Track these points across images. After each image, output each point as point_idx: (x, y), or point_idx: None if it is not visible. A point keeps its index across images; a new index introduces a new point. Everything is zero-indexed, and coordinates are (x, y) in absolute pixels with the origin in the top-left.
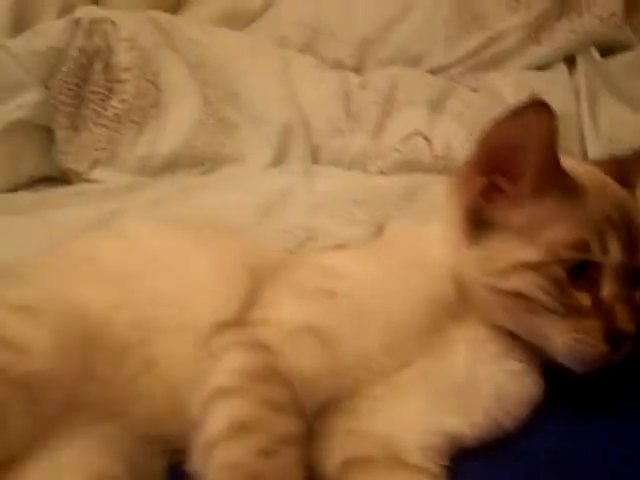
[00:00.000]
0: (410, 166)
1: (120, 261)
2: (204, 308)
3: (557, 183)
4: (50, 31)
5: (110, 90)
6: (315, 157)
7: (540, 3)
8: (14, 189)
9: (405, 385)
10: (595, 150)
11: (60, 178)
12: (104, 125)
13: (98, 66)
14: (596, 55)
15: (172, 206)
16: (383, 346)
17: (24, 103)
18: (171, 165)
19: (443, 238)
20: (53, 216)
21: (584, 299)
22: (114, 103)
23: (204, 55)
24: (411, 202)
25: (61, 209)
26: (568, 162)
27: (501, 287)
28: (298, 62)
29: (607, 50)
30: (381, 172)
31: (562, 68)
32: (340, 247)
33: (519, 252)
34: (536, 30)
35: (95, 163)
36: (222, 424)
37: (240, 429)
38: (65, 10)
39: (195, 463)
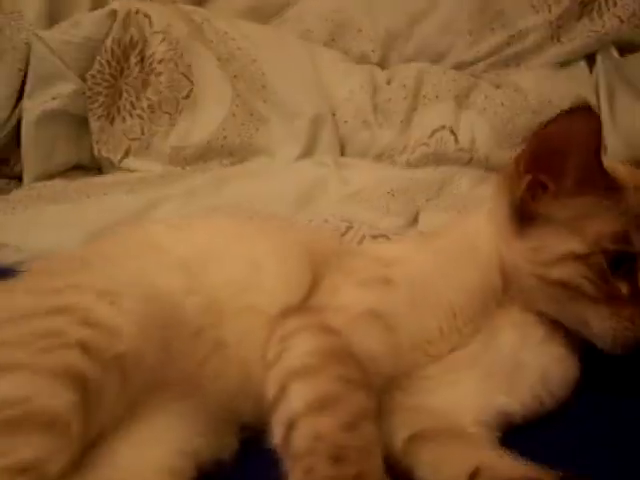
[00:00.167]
0: (436, 159)
1: (186, 249)
2: (270, 293)
3: (599, 181)
4: (86, 22)
5: (145, 81)
6: (342, 149)
7: (561, 3)
8: (49, 177)
9: (458, 366)
10: (613, 145)
11: (92, 167)
12: (138, 115)
13: (134, 58)
14: (615, 54)
15: (208, 196)
16: (439, 331)
17: (60, 93)
18: (202, 155)
19: (490, 230)
20: (93, 204)
21: (623, 287)
22: (148, 94)
23: (234, 48)
24: (441, 194)
25: (100, 197)
26: (609, 162)
27: (547, 276)
28: (325, 56)
29: (626, 49)
30: (408, 164)
31: (582, 66)
32: (390, 239)
33: (565, 244)
34: (557, 29)
35: (128, 152)
36: (303, 401)
37: (321, 405)
38: (98, 2)
39: (276, 438)
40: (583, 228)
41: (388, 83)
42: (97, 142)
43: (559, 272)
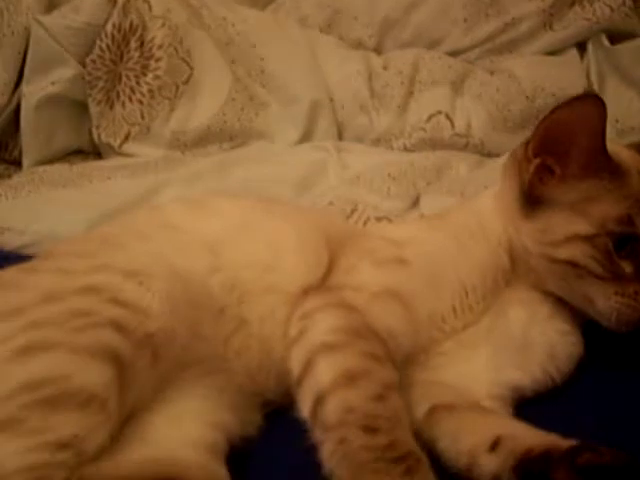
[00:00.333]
0: (432, 144)
1: (207, 230)
2: (291, 273)
3: (604, 165)
4: (86, 7)
5: (145, 67)
6: (340, 134)
7: None
8: (49, 162)
9: (471, 342)
10: None
11: (92, 152)
12: (138, 100)
13: (134, 43)
14: (606, 42)
15: (210, 180)
16: (454, 308)
17: (59, 78)
18: (202, 140)
19: (498, 212)
20: (96, 188)
21: (627, 267)
22: (148, 79)
23: (233, 34)
24: (440, 177)
25: (103, 181)
26: (613, 146)
27: (555, 256)
28: (322, 41)
29: (616, 37)
30: (405, 149)
31: (573, 53)
32: (392, 221)
33: (571, 225)
34: (550, 17)
35: (128, 137)
36: (330, 376)
37: (349, 379)
38: None
39: (305, 411)
40: (589, 211)
41: (384, 69)
42: (97, 127)
43: (566, 252)
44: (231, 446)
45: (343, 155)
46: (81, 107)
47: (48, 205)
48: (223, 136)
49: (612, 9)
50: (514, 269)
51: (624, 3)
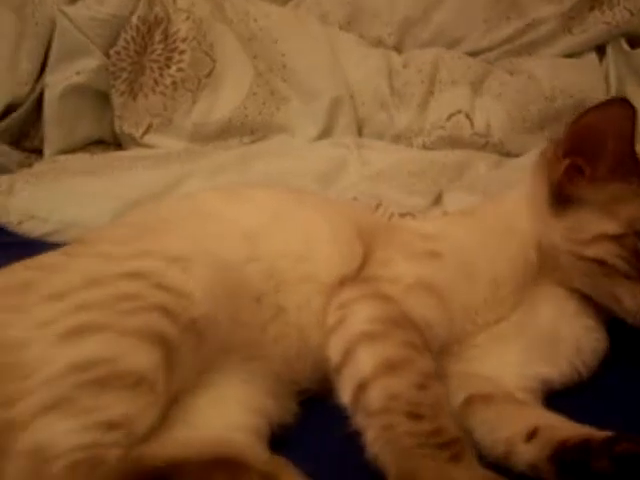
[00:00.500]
0: (452, 142)
1: (243, 219)
2: (325, 263)
3: (632, 168)
4: None
5: (168, 59)
6: (359, 131)
7: None
8: (71, 151)
9: (503, 336)
10: None
11: (113, 142)
12: (161, 92)
13: (158, 35)
14: (625, 46)
15: (232, 172)
16: (485, 301)
17: (83, 69)
18: (223, 133)
19: (527, 209)
20: (120, 178)
21: None
22: (171, 72)
23: (255, 29)
24: (460, 176)
25: (127, 171)
26: None
27: (583, 254)
28: (343, 39)
29: (636, 41)
30: (425, 147)
31: (592, 57)
32: (415, 217)
33: (600, 225)
34: (569, 20)
35: (150, 128)
36: (372, 364)
37: (390, 368)
38: None
39: (345, 398)
40: (617, 211)
41: (404, 67)
42: (119, 118)
43: (594, 251)
44: (272, 432)
45: (363, 152)
46: (104, 98)
47: (71, 194)
48: (244, 130)
49: (632, 13)
50: (542, 266)
51: None
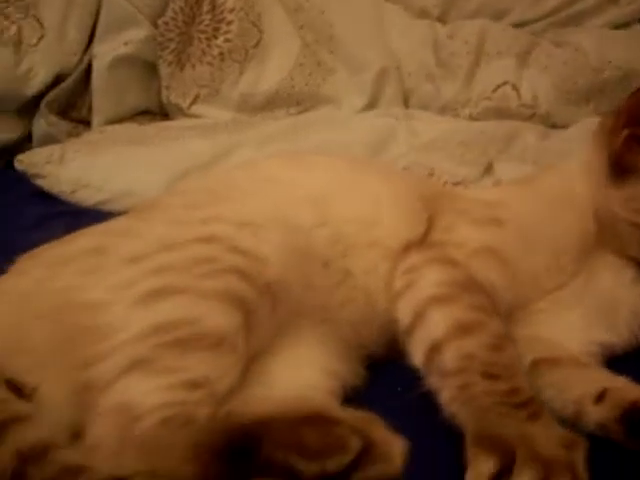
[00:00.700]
0: (498, 113)
1: (309, 185)
2: (391, 229)
3: None
4: None
5: (216, 29)
6: (405, 102)
7: None
8: (119, 122)
9: (564, 302)
10: None
11: (159, 112)
12: (208, 63)
13: (206, 6)
14: None
15: (282, 142)
16: (547, 268)
17: (131, 39)
18: (270, 103)
19: (586, 179)
20: (172, 147)
21: None
22: (219, 42)
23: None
24: (509, 146)
25: (178, 141)
26: None
27: None
28: (388, 10)
29: None
30: (471, 118)
31: (639, 28)
32: (467, 187)
33: None
34: None
35: (197, 99)
36: (444, 326)
37: (463, 329)
38: None
39: (417, 360)
40: None
41: (450, 38)
42: (167, 88)
43: None
44: (344, 395)
45: (411, 122)
46: (151, 68)
47: (124, 163)
48: (291, 101)
49: None
50: (600, 235)
51: None
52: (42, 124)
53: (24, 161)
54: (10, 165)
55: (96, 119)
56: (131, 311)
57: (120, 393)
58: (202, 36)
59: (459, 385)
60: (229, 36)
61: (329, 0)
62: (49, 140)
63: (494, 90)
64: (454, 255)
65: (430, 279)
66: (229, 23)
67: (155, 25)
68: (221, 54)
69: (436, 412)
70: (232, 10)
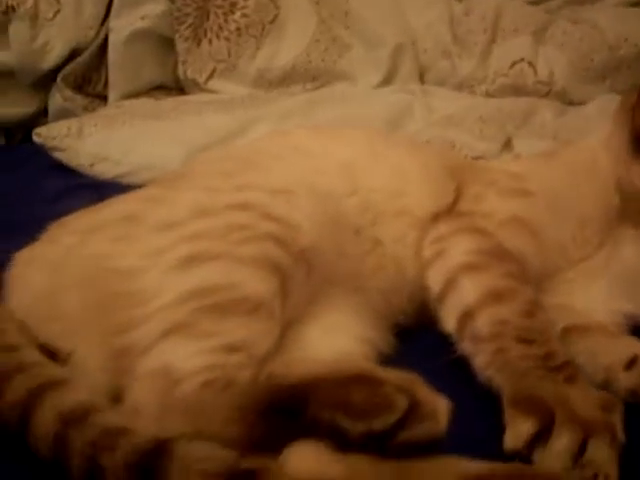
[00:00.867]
0: (514, 90)
1: (338, 154)
2: (419, 198)
3: None
4: None
5: (233, 4)
6: (421, 78)
7: None
8: (135, 96)
9: (590, 273)
10: None
11: (175, 87)
12: (225, 38)
13: None
14: None
15: (300, 117)
16: (573, 238)
17: (148, 14)
18: (286, 79)
19: (609, 153)
20: (191, 122)
21: None
22: (236, 17)
23: None
24: (527, 122)
25: (196, 115)
26: None
27: None
28: None
29: None
30: (487, 94)
31: None
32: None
33: None
34: None
35: (214, 74)
36: (477, 293)
37: (496, 296)
38: None
39: (449, 326)
40: None
41: (466, 15)
42: (183, 63)
43: None
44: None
45: (428, 99)
46: (168, 43)
47: (143, 136)
48: (307, 76)
49: None
50: (624, 209)
51: None
52: (58, 98)
53: (42, 134)
54: (27, 139)
55: (112, 94)
56: (167, 277)
57: (159, 358)
58: (219, 11)
59: (494, 350)
60: (246, 11)
61: None
62: (65, 115)
63: (510, 67)
64: (483, 225)
65: (460, 247)
66: None
67: (172, 0)
68: (238, 29)
69: (467, 377)
70: None
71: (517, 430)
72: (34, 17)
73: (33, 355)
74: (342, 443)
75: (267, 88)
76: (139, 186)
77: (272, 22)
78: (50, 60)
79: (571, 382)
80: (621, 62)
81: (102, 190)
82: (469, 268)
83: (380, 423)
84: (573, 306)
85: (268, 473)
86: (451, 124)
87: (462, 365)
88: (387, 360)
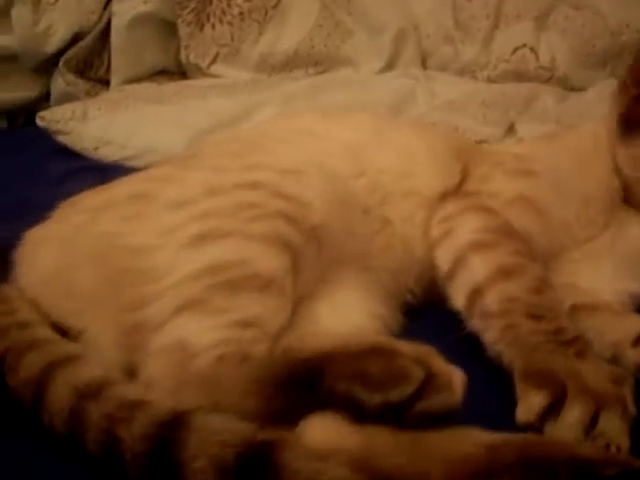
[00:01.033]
0: (516, 76)
1: (345, 137)
2: (426, 178)
3: None
4: None
5: None
6: (423, 63)
7: None
8: (137, 81)
9: (595, 253)
10: None
11: (177, 72)
12: (228, 22)
13: None
14: None
15: (303, 102)
16: (578, 218)
17: None
18: (289, 64)
19: (606, 137)
20: (195, 106)
21: None
22: (239, 2)
23: None
24: (529, 107)
25: (200, 99)
26: None
27: None
28: None
29: None
30: (489, 80)
31: None
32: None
33: None
34: None
35: (216, 58)
36: (487, 270)
37: (505, 273)
38: None
39: (458, 303)
40: None
41: (469, 1)
42: (186, 48)
43: None
44: None
45: (431, 84)
46: (170, 27)
47: (147, 120)
48: (309, 61)
49: None
50: (623, 191)
51: None
52: (60, 83)
53: (46, 118)
54: (29, 123)
55: (114, 78)
56: (179, 254)
57: (172, 333)
58: None
59: (504, 326)
60: None
61: None
62: (67, 99)
63: (512, 52)
64: (490, 204)
65: (468, 226)
66: None
67: None
68: (241, 14)
69: (475, 355)
70: None
71: (529, 403)
72: (36, 1)
73: (45, 332)
74: (359, 415)
75: (270, 73)
76: (143, 169)
77: (275, 7)
78: (52, 44)
79: (582, 356)
80: (623, 48)
81: (107, 173)
82: (478, 246)
83: (397, 394)
84: (579, 285)
85: (285, 444)
86: (454, 109)
87: (470, 343)
88: (396, 338)
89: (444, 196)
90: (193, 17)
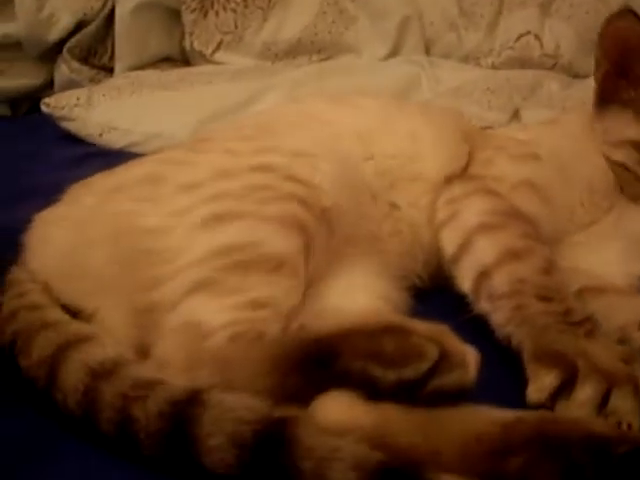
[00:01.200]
0: (521, 63)
1: (353, 121)
2: (433, 162)
3: None
4: None
5: None
6: (427, 50)
7: None
8: (141, 68)
9: (600, 237)
10: None
11: (180, 59)
12: (232, 9)
13: None
14: None
15: (308, 88)
16: (582, 202)
17: None
18: (292, 51)
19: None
20: (200, 91)
21: None
22: None
23: None
24: (534, 94)
25: (205, 85)
26: None
27: (611, 157)
28: None
29: None
30: (493, 67)
31: None
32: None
33: (627, 130)
34: None
35: (220, 46)
36: (495, 252)
37: (513, 254)
38: None
39: (466, 286)
40: None
41: None
42: (190, 35)
43: (619, 155)
44: None
45: (435, 70)
46: (174, 14)
47: (152, 106)
48: (313, 48)
49: None
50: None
51: None
52: (64, 70)
53: (50, 104)
54: (32, 110)
55: (118, 65)
56: (192, 235)
57: (186, 313)
58: None
59: (513, 307)
60: None
61: None
62: (71, 86)
63: (517, 39)
64: (495, 188)
65: (475, 208)
66: None
67: None
68: (245, 1)
69: (482, 337)
70: None
71: (540, 383)
72: None
73: (56, 314)
74: (373, 392)
75: (273, 60)
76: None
77: None
78: (56, 32)
79: (591, 336)
80: None
81: (113, 159)
82: (485, 228)
83: (411, 371)
84: (586, 268)
85: (299, 421)
86: (459, 95)
87: (476, 326)
88: None
89: (450, 179)
90: (197, 4)
